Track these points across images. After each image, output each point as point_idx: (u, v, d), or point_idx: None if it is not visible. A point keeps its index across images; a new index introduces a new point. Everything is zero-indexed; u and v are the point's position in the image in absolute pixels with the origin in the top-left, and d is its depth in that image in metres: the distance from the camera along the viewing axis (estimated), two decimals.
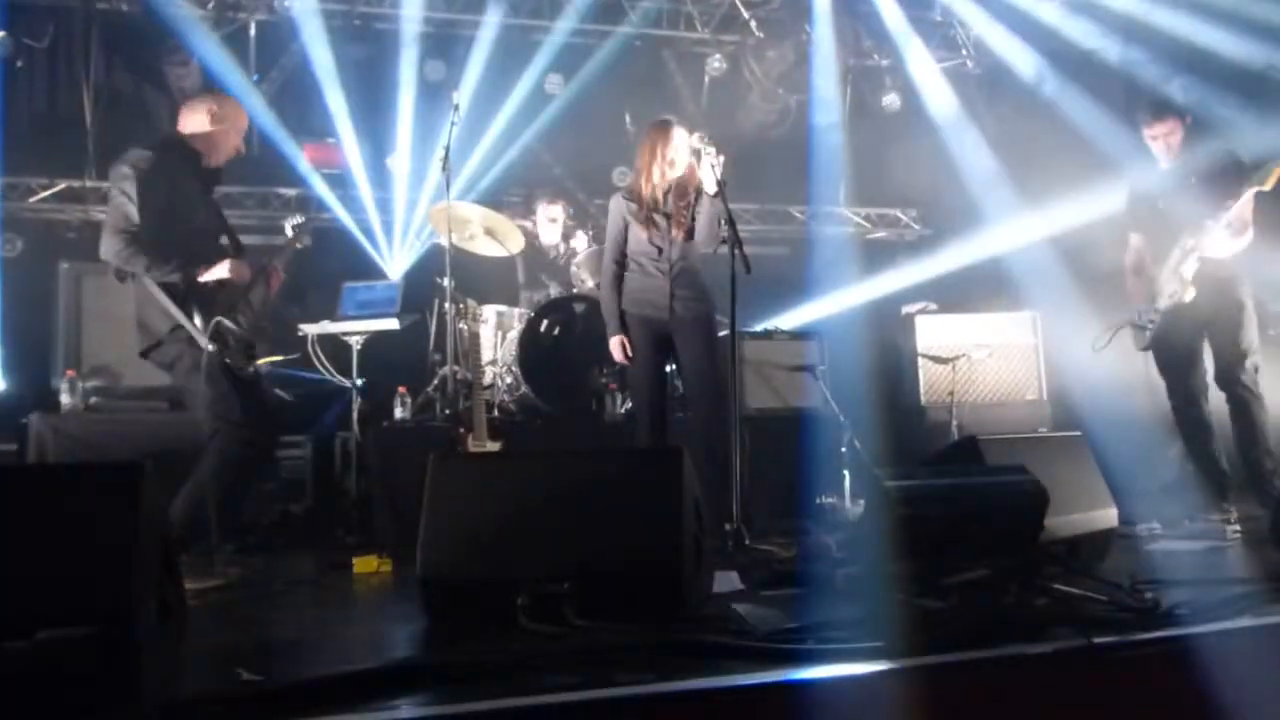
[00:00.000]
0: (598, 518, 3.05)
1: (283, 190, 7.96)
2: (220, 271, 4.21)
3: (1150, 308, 5.08)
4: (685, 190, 4.76)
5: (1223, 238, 4.79)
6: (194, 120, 4.41)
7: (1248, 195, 4.71)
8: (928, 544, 2.86)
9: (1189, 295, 4.88)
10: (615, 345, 4.86)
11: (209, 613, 3.42)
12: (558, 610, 2.88)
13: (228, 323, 4.13)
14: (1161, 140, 5.04)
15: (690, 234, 4.75)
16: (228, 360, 4.11)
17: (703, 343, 4.81)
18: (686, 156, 4.72)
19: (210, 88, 4.71)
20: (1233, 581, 3.27)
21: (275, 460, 5.59)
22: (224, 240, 4.41)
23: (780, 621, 2.83)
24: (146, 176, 4.12)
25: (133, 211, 4.09)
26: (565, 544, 3.02)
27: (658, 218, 4.75)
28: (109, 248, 4.13)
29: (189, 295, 4.12)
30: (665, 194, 4.76)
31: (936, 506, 2.97)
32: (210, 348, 4.04)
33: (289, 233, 4.83)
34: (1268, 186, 4.66)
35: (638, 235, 4.79)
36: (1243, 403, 4.88)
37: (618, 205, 4.86)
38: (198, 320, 4.08)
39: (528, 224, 6.78)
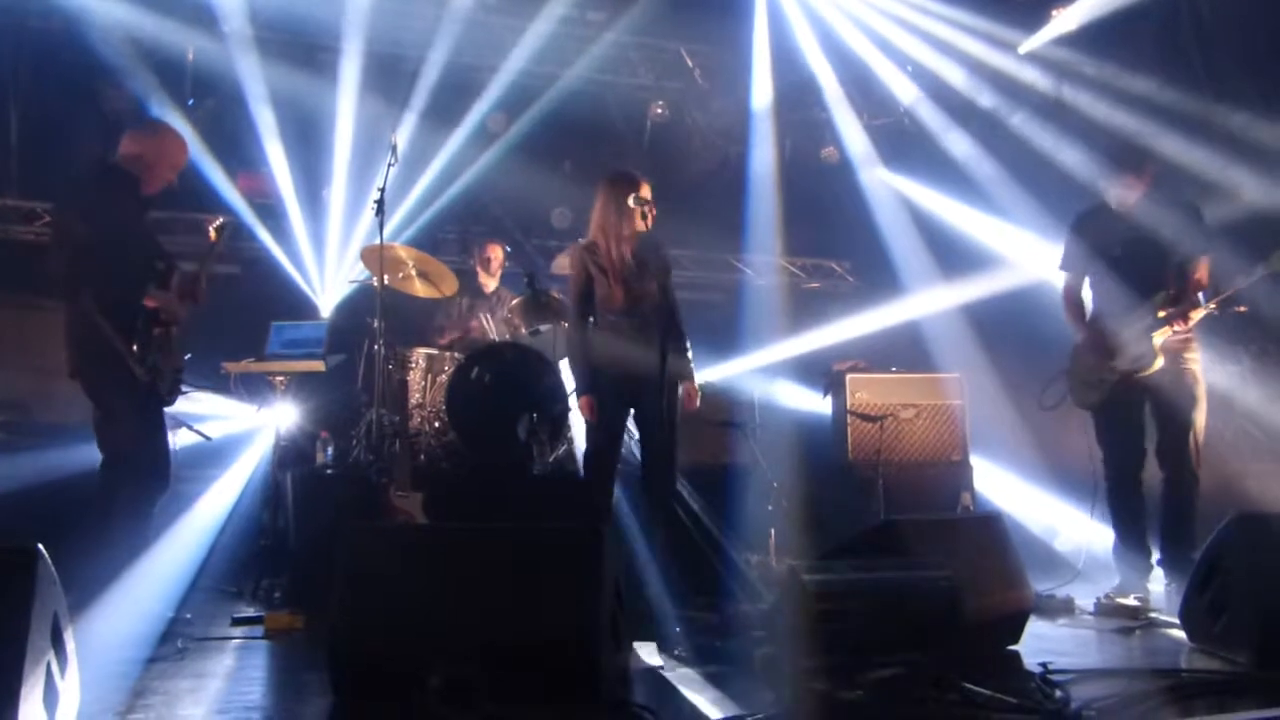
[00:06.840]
0: (515, 596, 3.02)
1: (214, 216, 7.78)
2: (157, 299, 4.25)
3: (1105, 365, 4.85)
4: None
5: (1201, 312, 4.65)
6: (134, 148, 4.45)
7: (1260, 274, 4.49)
8: (844, 638, 2.88)
9: (1157, 365, 4.71)
10: (583, 405, 4.56)
11: (111, 681, 3.27)
12: (471, 692, 2.84)
13: (161, 356, 4.22)
14: (1138, 190, 4.87)
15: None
16: (158, 388, 4.20)
17: (664, 399, 4.48)
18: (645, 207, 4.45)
19: (152, 119, 4.71)
20: (1142, 674, 3.33)
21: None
22: (159, 265, 4.38)
23: (694, 714, 2.81)
24: (94, 199, 4.22)
25: (82, 231, 4.12)
26: (481, 623, 2.98)
27: (626, 274, 4.52)
28: (60, 264, 4.16)
29: (134, 318, 4.15)
30: (632, 249, 4.51)
31: (853, 602, 2.99)
32: (143, 375, 4.12)
33: (211, 235, 4.67)
34: None
35: (604, 289, 4.55)
36: (1182, 485, 4.73)
37: (579, 257, 4.60)
38: (134, 347, 4.12)
39: (466, 263, 6.73)
